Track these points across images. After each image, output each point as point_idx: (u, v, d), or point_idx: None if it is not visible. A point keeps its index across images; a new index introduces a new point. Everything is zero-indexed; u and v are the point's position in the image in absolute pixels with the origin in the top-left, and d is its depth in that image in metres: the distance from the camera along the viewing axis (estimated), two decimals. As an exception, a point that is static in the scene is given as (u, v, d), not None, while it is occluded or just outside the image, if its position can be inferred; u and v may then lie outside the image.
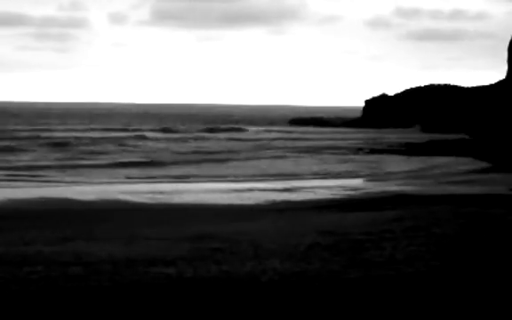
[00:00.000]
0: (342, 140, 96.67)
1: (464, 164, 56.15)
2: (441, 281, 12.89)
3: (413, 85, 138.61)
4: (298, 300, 11.66)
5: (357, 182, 43.98)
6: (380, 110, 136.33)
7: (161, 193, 34.70)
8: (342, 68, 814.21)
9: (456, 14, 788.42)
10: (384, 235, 18.55)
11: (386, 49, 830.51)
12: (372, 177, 46.97)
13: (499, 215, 22.61)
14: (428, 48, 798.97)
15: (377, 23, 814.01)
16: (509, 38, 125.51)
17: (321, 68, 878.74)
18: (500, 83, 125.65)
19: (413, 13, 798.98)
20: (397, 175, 47.75)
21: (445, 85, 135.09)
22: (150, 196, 33.26)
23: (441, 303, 11.45)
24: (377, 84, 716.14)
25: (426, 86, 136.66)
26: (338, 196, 33.45)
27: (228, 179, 44.88)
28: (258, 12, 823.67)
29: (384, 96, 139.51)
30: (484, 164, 55.00)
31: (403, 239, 17.68)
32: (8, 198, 31.32)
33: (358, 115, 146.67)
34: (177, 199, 32.26)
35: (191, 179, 44.18)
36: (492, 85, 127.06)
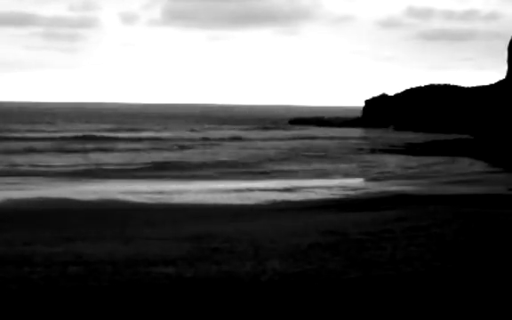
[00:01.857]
0: (342, 139, 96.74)
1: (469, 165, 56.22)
2: (441, 281, 12.89)
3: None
4: (298, 300, 11.65)
5: (357, 182, 43.99)
6: (380, 110, 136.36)
7: (161, 193, 34.71)
8: (349, 68, 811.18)
9: (468, 14, 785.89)
10: (384, 235, 18.54)
11: (394, 49, 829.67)
12: (371, 177, 46.96)
13: (499, 215, 22.60)
14: (439, 48, 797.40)
15: (389, 23, 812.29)
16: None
17: (328, 69, 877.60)
18: (500, 82, 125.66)
19: (425, 13, 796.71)
20: (397, 175, 47.77)
21: (445, 85, 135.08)
22: (150, 196, 33.27)
23: (441, 303, 11.45)
24: (384, 85, 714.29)
25: (426, 86, 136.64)
26: (338, 196, 33.46)
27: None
28: (272, 11, 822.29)
29: (384, 96, 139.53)
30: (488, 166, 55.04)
31: (403, 239, 17.68)
32: (8, 198, 31.32)
33: (359, 115, 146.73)
34: (177, 199, 32.26)
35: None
36: (491, 85, 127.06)
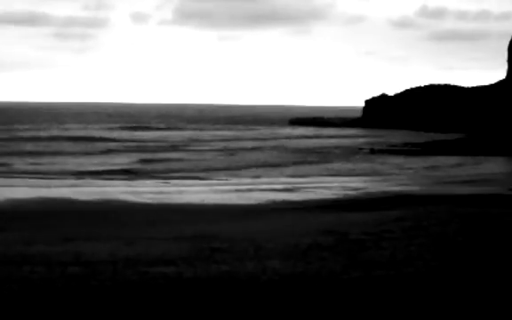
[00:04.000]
0: (343, 139, 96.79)
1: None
2: (441, 281, 12.90)
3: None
4: (298, 300, 11.66)
5: (357, 182, 43.97)
6: (380, 110, 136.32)
7: (161, 193, 34.71)
8: (359, 69, 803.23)
9: (481, 15, 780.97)
10: (384, 235, 18.55)
11: (405, 50, 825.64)
12: (372, 177, 46.96)
13: (498, 215, 22.62)
14: (450, 49, 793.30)
15: (402, 24, 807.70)
16: None
17: (338, 69, 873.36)
18: (500, 82, 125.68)
19: (438, 14, 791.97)
20: (397, 175, 47.79)
21: (445, 85, 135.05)
22: (150, 196, 33.26)
23: (441, 303, 11.46)
24: (392, 86, 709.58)
25: (426, 86, 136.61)
26: (338, 196, 33.45)
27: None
28: (285, 12, 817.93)
29: (384, 96, 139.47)
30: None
31: (403, 239, 17.69)
32: (8, 198, 31.30)
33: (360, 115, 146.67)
34: (177, 199, 32.25)
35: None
36: (491, 85, 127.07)
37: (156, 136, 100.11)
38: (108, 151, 70.22)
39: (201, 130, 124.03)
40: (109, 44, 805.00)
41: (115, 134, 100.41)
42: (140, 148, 76.90)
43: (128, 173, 48.30)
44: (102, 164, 56.42)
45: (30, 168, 51.47)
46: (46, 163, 56.06)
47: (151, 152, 70.43)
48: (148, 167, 53.80)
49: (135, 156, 63.42)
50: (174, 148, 78.26)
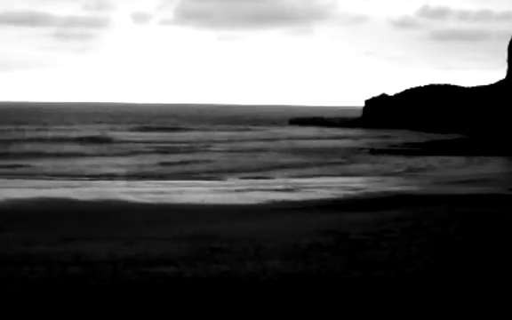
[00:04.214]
0: (343, 139, 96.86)
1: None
2: (441, 281, 12.90)
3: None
4: (298, 300, 11.66)
5: (358, 182, 43.97)
6: (380, 110, 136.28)
7: (161, 193, 34.72)
8: (360, 69, 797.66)
9: (482, 15, 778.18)
10: (384, 235, 18.56)
11: (406, 50, 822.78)
12: (372, 177, 46.96)
13: (498, 215, 22.62)
14: (451, 49, 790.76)
15: (402, 24, 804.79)
16: None
17: (338, 70, 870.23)
18: (500, 82, 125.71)
19: (439, 14, 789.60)
20: (397, 175, 47.81)
21: (445, 85, 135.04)
22: (150, 195, 33.26)
23: (440, 303, 11.46)
24: (393, 86, 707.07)
25: (426, 86, 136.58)
26: (338, 196, 33.45)
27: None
28: (286, 12, 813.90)
29: (384, 96, 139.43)
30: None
31: (403, 239, 17.69)
32: (8, 198, 31.31)
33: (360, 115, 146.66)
34: (177, 199, 32.26)
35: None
36: (491, 85, 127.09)
37: (167, 137, 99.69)
38: (127, 153, 69.68)
39: (205, 130, 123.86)
40: (110, 44, 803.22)
41: (124, 135, 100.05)
42: (160, 149, 76.25)
43: (154, 177, 47.82)
44: (125, 165, 55.74)
45: (49, 171, 51.04)
46: (67, 166, 55.35)
47: (169, 153, 69.87)
48: (171, 169, 53.46)
49: (156, 158, 62.99)
50: (191, 149, 77.63)
